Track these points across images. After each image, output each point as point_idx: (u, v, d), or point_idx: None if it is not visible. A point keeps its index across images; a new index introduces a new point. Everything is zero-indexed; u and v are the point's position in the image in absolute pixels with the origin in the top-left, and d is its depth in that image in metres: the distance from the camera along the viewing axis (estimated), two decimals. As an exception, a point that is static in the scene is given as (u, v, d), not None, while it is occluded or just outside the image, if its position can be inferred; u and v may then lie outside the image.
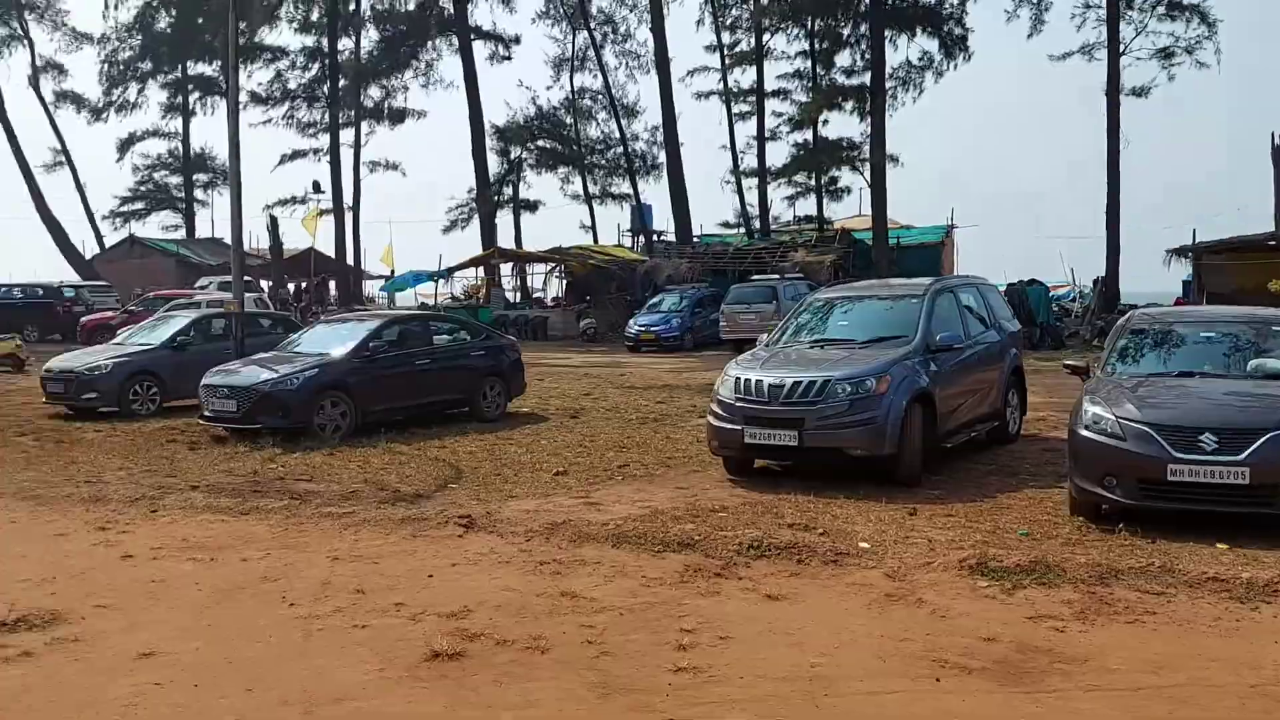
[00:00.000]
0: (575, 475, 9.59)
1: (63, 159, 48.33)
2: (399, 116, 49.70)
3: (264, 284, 38.96)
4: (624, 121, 47.74)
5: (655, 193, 60.18)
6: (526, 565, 6.11)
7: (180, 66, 50.68)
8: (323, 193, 43.96)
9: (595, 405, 15.13)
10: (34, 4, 47.48)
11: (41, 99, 48.02)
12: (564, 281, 41.49)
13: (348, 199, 46.66)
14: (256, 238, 44.50)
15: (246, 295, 17.13)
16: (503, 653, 4.64)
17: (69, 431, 13.10)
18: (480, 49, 45.36)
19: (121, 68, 50.14)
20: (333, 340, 13.26)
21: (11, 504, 7.85)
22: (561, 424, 13.23)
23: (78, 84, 51.23)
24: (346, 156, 47.03)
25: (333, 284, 45.07)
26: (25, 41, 47.58)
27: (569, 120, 50.02)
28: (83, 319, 27.81)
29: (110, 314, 28.02)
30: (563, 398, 16.06)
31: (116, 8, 48.31)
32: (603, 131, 50.49)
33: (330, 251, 45.57)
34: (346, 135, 47.52)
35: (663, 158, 43.76)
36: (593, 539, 6.70)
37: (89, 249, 48.16)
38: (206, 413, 12.36)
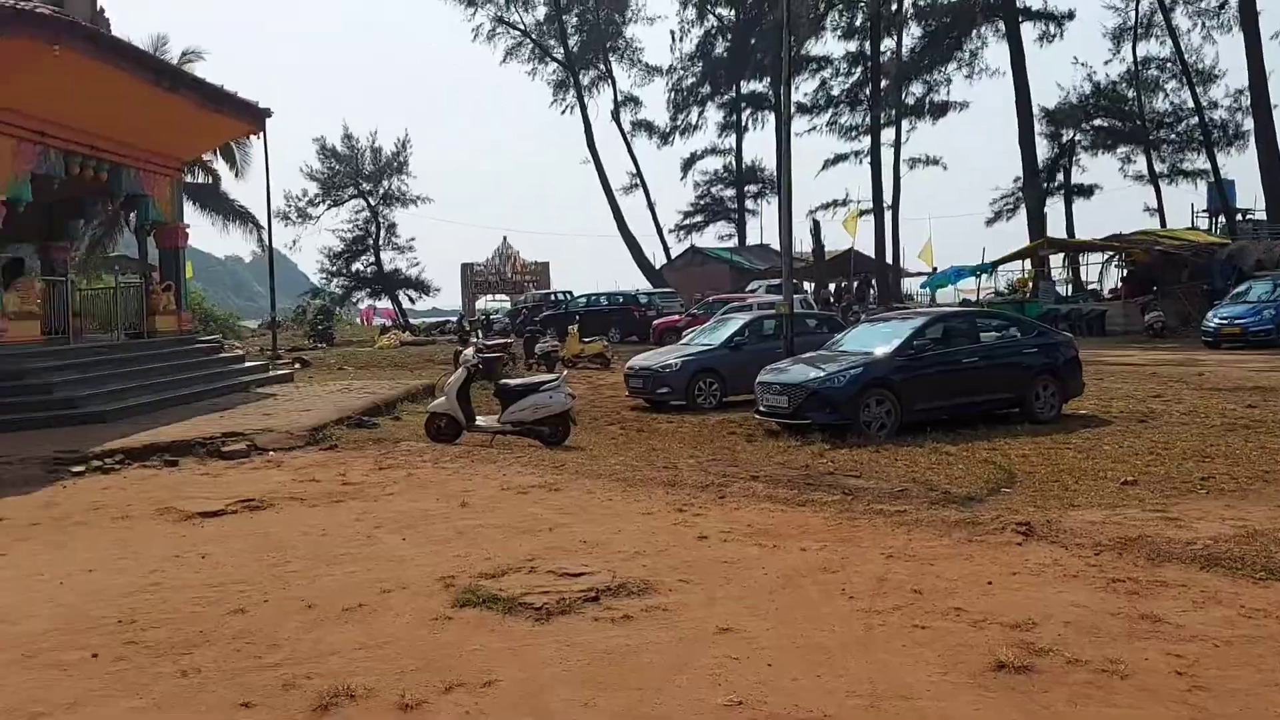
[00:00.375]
0: (1147, 486, 8.70)
1: (637, 181, 55.14)
2: (941, 110, 49.31)
3: (807, 285, 40.78)
4: (1199, 89, 42.47)
5: (1238, 166, 52.99)
6: (1097, 581, 5.62)
7: (735, 86, 55.18)
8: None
9: (1167, 408, 13.61)
10: (616, 46, 54.70)
11: (621, 129, 55.23)
12: (1123, 271, 38.01)
13: (887, 198, 47.17)
14: (800, 241, 46.78)
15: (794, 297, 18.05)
16: (1075, 672, 4.30)
17: (647, 421, 14.84)
18: (1028, 31, 43.31)
19: (685, 94, 56.04)
20: (876, 339, 13.49)
21: (608, 485, 9.00)
22: (1127, 428, 12.08)
23: (648, 113, 58.04)
24: (886, 156, 47.56)
25: (873, 283, 45.78)
26: (609, 80, 55.04)
27: (1130, 94, 45.72)
28: (655, 322, 31.26)
29: (676, 317, 31.13)
30: (1127, 399, 14.68)
31: (681, 40, 54.23)
32: (1172, 103, 45.60)
33: (870, 251, 46.41)
34: (886, 135, 48.04)
35: (1249, 125, 38.32)
36: (1175, 558, 5.97)
37: (658, 259, 54.38)
38: (761, 408, 13.22)
